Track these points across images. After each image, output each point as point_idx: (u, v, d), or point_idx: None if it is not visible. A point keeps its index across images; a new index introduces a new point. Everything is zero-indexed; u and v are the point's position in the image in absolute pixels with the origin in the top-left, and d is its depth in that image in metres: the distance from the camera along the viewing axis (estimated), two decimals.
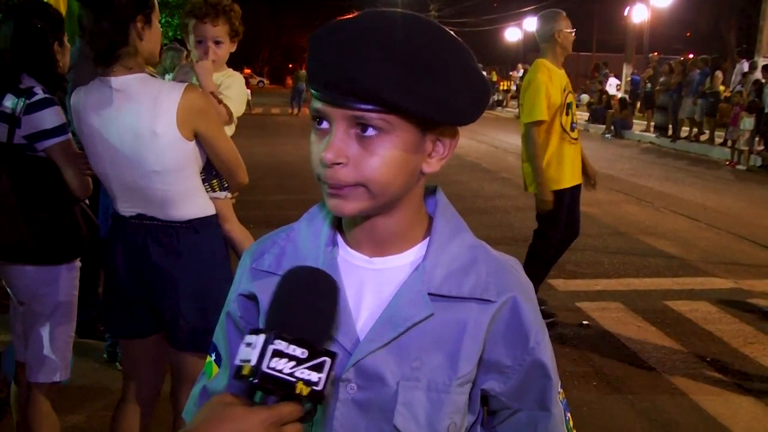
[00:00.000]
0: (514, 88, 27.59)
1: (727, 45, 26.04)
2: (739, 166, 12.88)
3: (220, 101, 2.51)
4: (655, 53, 24.03)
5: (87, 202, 2.68)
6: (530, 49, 31.68)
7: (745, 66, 16.29)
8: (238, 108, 2.65)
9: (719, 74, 15.50)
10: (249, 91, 14.98)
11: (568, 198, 4.49)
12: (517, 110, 24.63)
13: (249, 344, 0.81)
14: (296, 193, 8.42)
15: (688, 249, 6.75)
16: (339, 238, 1.03)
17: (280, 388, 0.80)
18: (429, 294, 0.96)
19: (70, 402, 3.26)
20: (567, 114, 4.45)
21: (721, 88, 15.72)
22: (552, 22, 4.45)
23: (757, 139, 12.87)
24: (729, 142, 13.72)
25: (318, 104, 0.91)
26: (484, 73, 1.07)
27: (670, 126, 16.24)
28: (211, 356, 1.12)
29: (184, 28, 2.70)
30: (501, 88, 29.38)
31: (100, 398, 3.40)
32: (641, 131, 17.80)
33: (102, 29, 2.08)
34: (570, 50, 4.53)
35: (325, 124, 0.92)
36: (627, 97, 19.99)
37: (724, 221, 8.02)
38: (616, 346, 4.36)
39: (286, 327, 0.82)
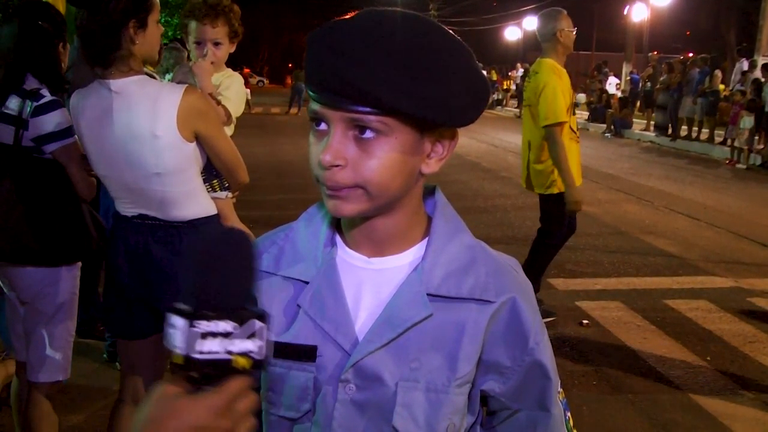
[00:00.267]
0: (513, 87, 27.59)
1: (726, 44, 26.02)
2: (739, 165, 12.88)
3: (218, 102, 2.51)
4: (655, 52, 24.04)
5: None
6: (530, 49, 31.69)
7: (745, 65, 16.31)
8: (236, 109, 2.65)
9: (719, 73, 15.53)
10: (249, 90, 14.99)
11: None
12: (517, 110, 24.69)
13: (173, 326, 0.74)
14: (296, 193, 8.41)
15: (688, 248, 6.75)
16: (338, 239, 1.03)
17: (219, 369, 0.75)
18: (428, 294, 0.96)
19: (70, 402, 3.26)
20: (573, 114, 4.46)
21: (721, 87, 15.74)
22: (553, 21, 4.44)
23: (756, 137, 12.88)
24: (729, 141, 13.73)
25: (316, 106, 0.91)
26: (484, 72, 1.06)
27: (670, 125, 16.24)
28: None
29: (184, 28, 2.69)
30: (501, 87, 29.37)
31: (100, 398, 3.40)
32: (641, 130, 17.80)
33: (92, 31, 2.08)
34: (571, 49, 4.52)
35: (323, 126, 0.92)
36: (623, 94, 19.98)
37: (724, 220, 8.02)
38: (616, 346, 4.36)
39: (206, 301, 0.75)
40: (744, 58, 17.10)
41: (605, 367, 4.03)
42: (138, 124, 2.11)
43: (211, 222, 2.29)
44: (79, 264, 2.61)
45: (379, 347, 0.95)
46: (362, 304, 0.99)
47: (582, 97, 23.08)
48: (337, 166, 0.89)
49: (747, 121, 12.71)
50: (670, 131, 16.20)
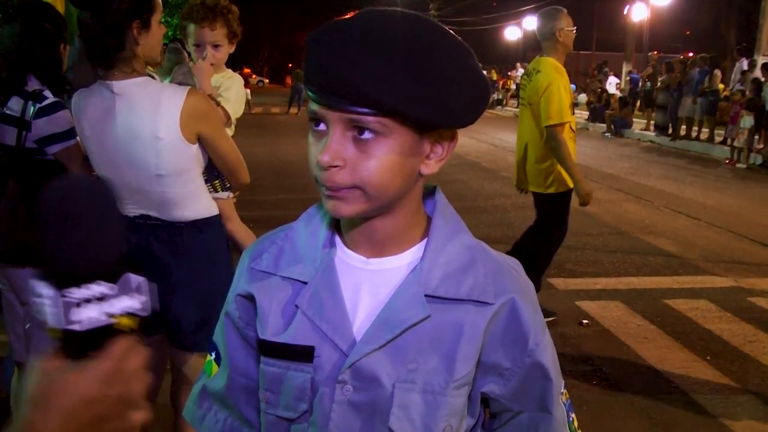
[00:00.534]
0: (513, 87, 27.57)
1: (726, 43, 26.03)
2: (739, 165, 12.87)
3: (218, 103, 2.51)
4: (655, 52, 24.02)
5: None
6: (530, 48, 31.68)
7: (745, 64, 16.32)
8: (236, 110, 2.65)
9: (718, 73, 15.52)
10: (249, 90, 14.98)
11: (572, 197, 4.50)
12: (517, 109, 24.60)
13: (40, 296, 0.67)
14: (296, 193, 8.41)
15: (688, 247, 6.75)
16: (337, 239, 1.02)
17: (103, 335, 0.68)
18: (426, 296, 0.96)
19: None
20: (573, 113, 4.46)
21: (721, 86, 15.73)
22: (553, 20, 4.42)
23: (756, 137, 12.87)
24: (729, 141, 13.72)
25: (315, 106, 0.91)
26: (484, 72, 1.06)
27: (670, 125, 16.24)
28: (211, 355, 1.12)
29: (182, 31, 2.69)
30: (501, 87, 29.36)
31: None
32: (641, 130, 17.80)
33: (95, 32, 2.08)
34: (571, 48, 4.51)
35: (322, 126, 0.91)
36: (623, 94, 19.98)
37: (724, 220, 8.02)
38: (616, 345, 4.35)
39: (70, 264, 0.67)
40: (744, 58, 17.11)
41: (605, 367, 4.03)
42: (140, 126, 2.11)
43: (213, 222, 2.29)
44: None
45: (376, 348, 0.95)
46: (360, 305, 0.98)
47: (582, 97, 23.08)
48: (335, 166, 0.89)
49: (747, 121, 12.71)
50: (670, 131, 16.20)
